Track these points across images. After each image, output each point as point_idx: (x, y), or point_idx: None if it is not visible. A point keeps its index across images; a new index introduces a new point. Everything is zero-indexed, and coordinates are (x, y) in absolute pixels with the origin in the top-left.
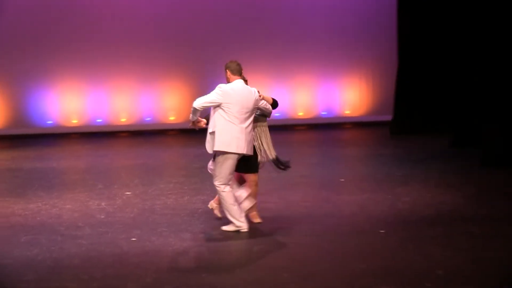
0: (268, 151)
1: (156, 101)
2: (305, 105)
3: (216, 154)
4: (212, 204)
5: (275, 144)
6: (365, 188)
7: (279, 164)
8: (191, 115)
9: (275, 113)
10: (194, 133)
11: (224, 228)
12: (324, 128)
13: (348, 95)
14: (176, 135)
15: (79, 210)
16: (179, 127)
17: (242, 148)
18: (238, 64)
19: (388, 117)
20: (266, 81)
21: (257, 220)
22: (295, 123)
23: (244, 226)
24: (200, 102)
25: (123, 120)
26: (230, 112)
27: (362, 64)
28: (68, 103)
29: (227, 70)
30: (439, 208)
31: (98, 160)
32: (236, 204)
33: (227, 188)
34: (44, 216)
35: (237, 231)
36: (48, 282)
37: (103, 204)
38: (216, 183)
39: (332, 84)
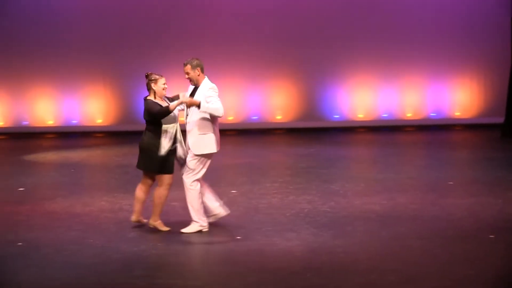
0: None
1: (263, 99)
2: (414, 106)
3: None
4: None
5: (382, 145)
6: (474, 191)
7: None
8: (209, 108)
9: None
10: (301, 132)
11: (186, 230)
12: (433, 130)
13: (459, 96)
14: (282, 134)
15: (186, 207)
16: (286, 126)
17: (219, 144)
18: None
19: (500, 119)
20: (374, 81)
21: (163, 228)
22: (403, 124)
23: (206, 225)
24: (223, 109)
25: (230, 118)
26: None
27: (473, 64)
28: None
29: (198, 69)
30: None
31: None
32: (202, 203)
33: (199, 185)
34: (151, 212)
35: (200, 231)
36: (154, 278)
37: None
38: (190, 180)
39: (442, 84)
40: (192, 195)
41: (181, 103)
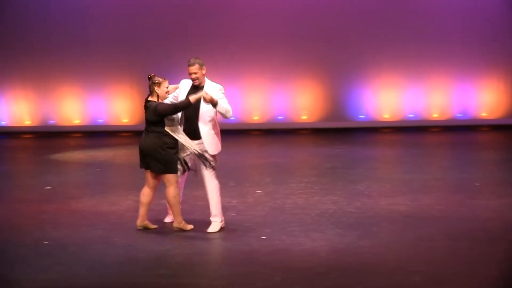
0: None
1: (289, 99)
2: (440, 107)
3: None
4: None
5: (408, 146)
6: (501, 193)
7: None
8: (224, 108)
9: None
10: (326, 133)
11: (211, 230)
12: (459, 131)
13: (485, 97)
14: (308, 134)
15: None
16: (312, 127)
17: None
18: None
19: None
20: (400, 82)
21: (188, 227)
22: (429, 125)
23: (223, 220)
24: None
25: (255, 118)
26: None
27: (500, 65)
28: None
29: (204, 68)
30: None
31: (230, 157)
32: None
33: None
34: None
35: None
36: (179, 278)
37: (234, 201)
38: (213, 173)
39: (468, 85)
40: (217, 187)
41: (201, 97)
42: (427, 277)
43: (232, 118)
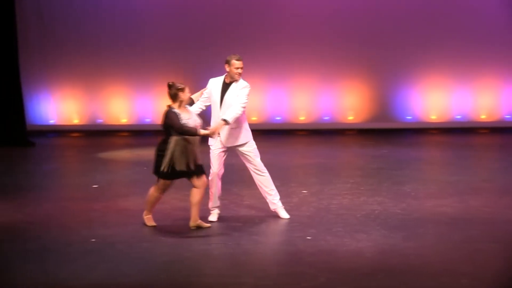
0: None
1: (335, 100)
2: (488, 108)
3: (251, 145)
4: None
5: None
6: None
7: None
8: (234, 116)
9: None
10: (373, 133)
11: (286, 216)
12: (508, 132)
13: None
14: (354, 135)
15: (256, 207)
16: (358, 127)
17: None
18: None
19: None
20: (447, 82)
21: (150, 223)
22: (477, 126)
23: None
24: (241, 107)
25: (301, 118)
26: None
27: None
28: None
29: None
30: None
31: (276, 157)
32: None
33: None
34: (221, 211)
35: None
36: (224, 277)
37: None
38: (263, 165)
39: None
40: (269, 178)
41: (208, 134)
42: (473, 279)
43: (278, 118)
